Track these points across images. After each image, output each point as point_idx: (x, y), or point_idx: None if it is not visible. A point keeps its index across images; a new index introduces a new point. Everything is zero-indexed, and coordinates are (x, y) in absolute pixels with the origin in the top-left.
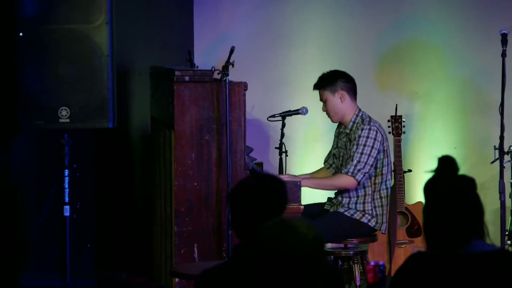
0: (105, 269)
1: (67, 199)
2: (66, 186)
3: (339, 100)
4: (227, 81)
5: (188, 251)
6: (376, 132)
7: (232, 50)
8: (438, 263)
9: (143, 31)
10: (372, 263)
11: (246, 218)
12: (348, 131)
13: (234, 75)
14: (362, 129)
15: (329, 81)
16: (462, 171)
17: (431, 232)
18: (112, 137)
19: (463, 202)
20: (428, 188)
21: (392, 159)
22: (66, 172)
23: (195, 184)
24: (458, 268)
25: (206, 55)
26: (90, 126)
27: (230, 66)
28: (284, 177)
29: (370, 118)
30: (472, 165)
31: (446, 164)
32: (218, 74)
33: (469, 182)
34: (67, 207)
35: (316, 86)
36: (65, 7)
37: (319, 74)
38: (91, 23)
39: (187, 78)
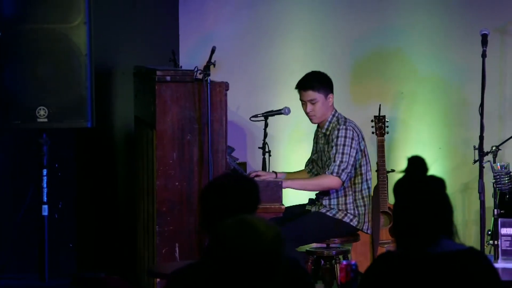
0: (87, 269)
1: (45, 199)
2: (45, 185)
3: (329, 103)
4: (209, 81)
5: (169, 250)
6: (352, 131)
7: (213, 50)
8: (406, 262)
9: (128, 31)
10: (344, 263)
11: (215, 217)
12: (324, 131)
13: (219, 75)
14: (339, 130)
15: (322, 84)
16: (447, 171)
17: (400, 231)
18: (95, 137)
19: (431, 202)
20: (397, 188)
21: (376, 159)
22: (45, 171)
23: (177, 183)
24: (427, 267)
25: (191, 55)
26: (68, 125)
27: (212, 66)
28: (265, 176)
29: (345, 118)
30: (456, 165)
31: (415, 164)
32: (200, 74)
33: (438, 182)
34: (45, 207)
35: (307, 87)
36: (43, 7)
37: (304, 74)
38: (69, 23)
39: (168, 78)
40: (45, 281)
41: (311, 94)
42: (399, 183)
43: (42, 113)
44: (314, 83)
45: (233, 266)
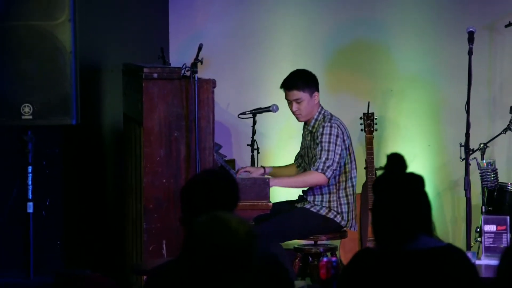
0: (75, 266)
1: (30, 196)
2: (30, 182)
3: (315, 101)
4: (196, 78)
5: (156, 247)
6: (337, 129)
7: (200, 48)
8: (384, 259)
9: (118, 29)
10: (325, 259)
11: (195, 213)
12: (311, 128)
13: (209, 73)
14: (324, 127)
15: (306, 82)
16: (436, 168)
17: (378, 228)
18: (83, 134)
19: (410, 199)
20: (376, 185)
21: (364, 157)
22: (30, 168)
23: (164, 181)
24: (404, 264)
25: (181, 53)
26: (53, 123)
27: (200, 63)
28: (253, 172)
29: (331, 115)
30: (445, 163)
31: (395, 161)
32: (188, 71)
33: (417, 180)
34: (30, 204)
35: (291, 86)
36: (27, 4)
37: (289, 73)
38: (54, 20)
39: (155, 75)
40: (30, 278)
41: (296, 94)
42: (378, 180)
43: (26, 110)
44: (298, 82)
45: (206, 262)
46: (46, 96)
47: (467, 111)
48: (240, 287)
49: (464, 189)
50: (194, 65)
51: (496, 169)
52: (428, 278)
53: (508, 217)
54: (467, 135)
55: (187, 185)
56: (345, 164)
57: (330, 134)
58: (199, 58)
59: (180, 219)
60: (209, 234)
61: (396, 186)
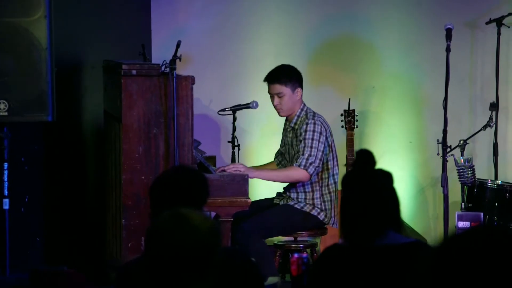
0: (55, 263)
1: (6, 193)
2: (5, 179)
3: (297, 97)
4: (174, 75)
5: (135, 244)
6: (321, 126)
7: (178, 44)
8: (353, 254)
9: (100, 25)
10: (296, 256)
11: (161, 209)
12: (293, 125)
13: (192, 70)
14: (307, 124)
15: (290, 78)
16: (418, 165)
17: (346, 224)
18: (64, 131)
19: (378, 195)
20: (345, 180)
21: (345, 153)
22: (5, 165)
23: (143, 177)
24: (373, 259)
25: (164, 50)
26: (28, 119)
27: (178, 60)
28: (235, 168)
29: (314, 112)
30: (427, 159)
31: (363, 157)
32: (167, 68)
33: (386, 176)
34: (6, 201)
35: (274, 80)
36: (2, 1)
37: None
38: (30, 17)
39: (134, 71)
40: (6, 275)
41: (277, 88)
42: (346, 176)
43: (2, 106)
44: (281, 76)
45: (166, 258)
46: (21, 93)
47: (445, 108)
48: (203, 284)
49: (442, 186)
50: (172, 61)
51: (473, 166)
52: (396, 274)
53: (482, 214)
54: (445, 132)
55: (155, 181)
56: (327, 161)
57: (313, 131)
58: (178, 54)
59: (149, 215)
60: (170, 230)
61: (365, 182)
